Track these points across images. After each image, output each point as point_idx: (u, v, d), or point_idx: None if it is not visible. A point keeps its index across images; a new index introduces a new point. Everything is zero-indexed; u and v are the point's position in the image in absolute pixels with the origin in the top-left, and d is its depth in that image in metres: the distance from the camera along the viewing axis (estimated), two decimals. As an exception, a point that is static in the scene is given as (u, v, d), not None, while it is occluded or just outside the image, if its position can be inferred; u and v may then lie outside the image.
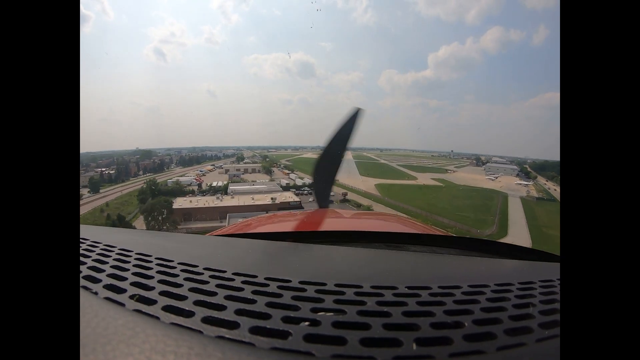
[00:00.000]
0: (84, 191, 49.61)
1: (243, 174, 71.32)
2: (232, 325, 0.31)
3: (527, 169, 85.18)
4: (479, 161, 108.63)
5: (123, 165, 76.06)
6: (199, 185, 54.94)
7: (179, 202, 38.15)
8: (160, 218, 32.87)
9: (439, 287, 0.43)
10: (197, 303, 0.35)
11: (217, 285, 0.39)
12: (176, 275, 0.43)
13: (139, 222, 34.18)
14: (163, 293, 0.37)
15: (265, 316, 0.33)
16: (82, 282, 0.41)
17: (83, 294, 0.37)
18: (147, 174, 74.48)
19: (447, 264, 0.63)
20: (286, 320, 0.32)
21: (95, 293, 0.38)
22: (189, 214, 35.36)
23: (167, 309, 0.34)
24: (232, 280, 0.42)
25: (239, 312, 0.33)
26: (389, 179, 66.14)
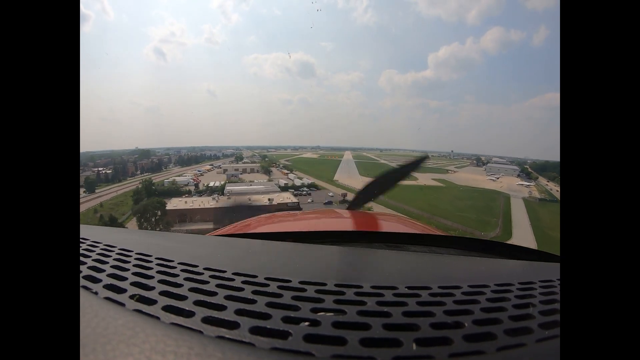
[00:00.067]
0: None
1: (241, 173, 70.44)
2: (232, 325, 0.31)
3: (528, 170, 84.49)
4: (479, 161, 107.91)
5: (120, 165, 75.22)
6: (196, 185, 54.09)
7: (174, 203, 37.28)
8: (153, 220, 32.00)
9: (439, 287, 0.43)
10: (197, 303, 0.35)
11: (217, 285, 0.40)
12: (176, 275, 0.43)
13: (132, 224, 33.28)
14: (163, 293, 0.37)
15: (266, 316, 0.33)
16: (82, 282, 0.41)
17: (83, 293, 0.37)
18: (145, 174, 73.60)
19: (447, 264, 0.63)
20: (286, 320, 0.32)
21: (96, 293, 0.38)
22: (184, 215, 34.50)
23: (167, 309, 0.34)
24: (232, 280, 0.42)
25: (239, 312, 0.33)
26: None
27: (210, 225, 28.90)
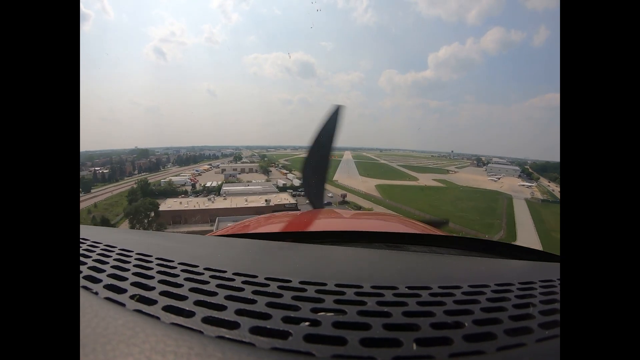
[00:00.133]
0: (73, 191, 47.67)
1: (240, 173, 69.48)
2: (233, 326, 0.31)
3: (529, 170, 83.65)
4: (479, 162, 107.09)
5: (118, 165, 74.19)
6: (193, 185, 53.12)
7: (169, 204, 36.26)
8: (146, 221, 31.03)
9: (439, 287, 0.43)
10: (198, 303, 0.35)
11: (218, 286, 0.40)
12: (176, 276, 0.43)
13: (124, 227, 32.23)
14: (163, 293, 0.37)
15: (266, 316, 0.33)
16: (83, 282, 0.41)
17: (83, 294, 0.37)
18: (142, 174, 72.62)
19: (447, 264, 0.63)
20: (286, 320, 0.32)
21: (96, 293, 0.38)
22: (178, 217, 33.48)
23: (168, 309, 0.34)
24: (233, 280, 0.42)
25: (239, 312, 0.33)
26: (389, 179, 64.37)
27: (204, 228, 27.96)
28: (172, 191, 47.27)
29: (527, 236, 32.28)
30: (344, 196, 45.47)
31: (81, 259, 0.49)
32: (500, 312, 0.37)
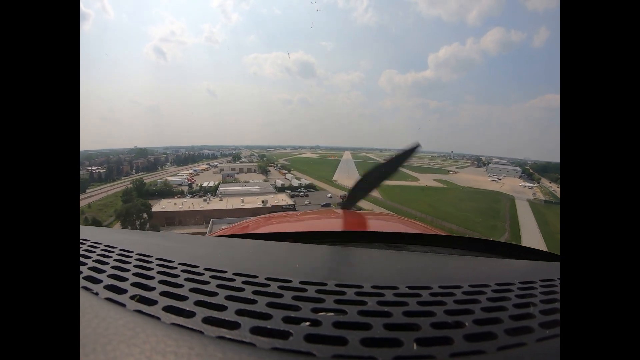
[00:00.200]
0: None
1: (238, 173, 68.60)
2: (233, 326, 0.31)
3: (529, 171, 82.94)
4: (480, 162, 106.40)
5: (115, 164, 73.24)
6: (190, 185, 52.23)
7: (163, 205, 35.36)
8: (138, 223, 30.10)
9: (440, 287, 0.43)
10: (198, 303, 0.35)
11: (218, 286, 0.40)
12: (177, 276, 0.43)
13: (116, 228, 31.26)
14: (164, 293, 0.38)
15: (266, 316, 0.33)
16: (83, 282, 0.41)
17: (84, 294, 0.38)
18: (140, 173, 71.74)
19: (447, 264, 0.63)
20: (287, 320, 0.32)
21: (96, 294, 0.38)
22: (172, 218, 32.58)
23: (168, 309, 0.34)
24: (233, 280, 0.42)
25: (239, 312, 0.33)
26: (389, 179, 63.41)
27: (199, 230, 27.01)
28: (168, 191, 46.36)
29: (532, 239, 31.41)
30: (343, 197, 44.51)
31: (81, 259, 0.49)
32: (501, 312, 0.37)
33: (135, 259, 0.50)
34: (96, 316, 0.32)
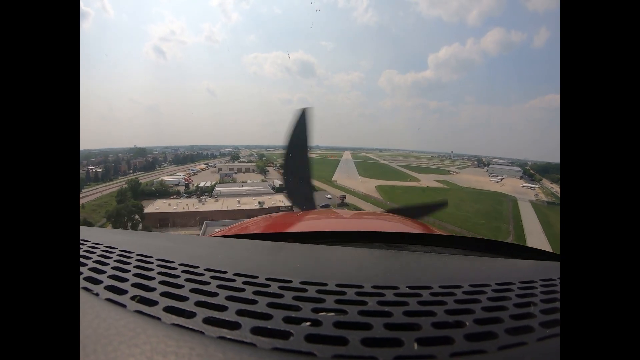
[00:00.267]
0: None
1: (236, 173, 67.60)
2: (234, 326, 0.31)
3: (530, 171, 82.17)
4: (480, 162, 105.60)
5: (112, 163, 72.24)
6: (187, 185, 51.24)
7: (157, 205, 34.38)
8: (129, 225, 29.13)
9: (440, 286, 0.42)
10: (198, 304, 0.35)
11: (218, 286, 0.40)
12: (177, 276, 0.43)
13: (108, 229, 30.22)
14: (164, 294, 0.37)
15: (267, 316, 0.33)
16: (84, 283, 0.41)
17: (84, 295, 0.37)
18: (137, 173, 70.76)
19: (448, 264, 0.63)
20: (287, 320, 0.32)
21: (97, 294, 0.38)
22: (165, 219, 31.61)
23: (169, 309, 0.34)
24: (233, 280, 0.42)
25: (240, 312, 0.33)
26: (390, 180, 62.59)
27: (192, 232, 26.06)
28: (164, 191, 45.39)
29: (536, 241, 30.48)
30: (342, 198, 43.61)
31: (82, 260, 0.49)
32: (501, 311, 0.37)
33: (136, 260, 0.49)
34: (97, 317, 0.32)
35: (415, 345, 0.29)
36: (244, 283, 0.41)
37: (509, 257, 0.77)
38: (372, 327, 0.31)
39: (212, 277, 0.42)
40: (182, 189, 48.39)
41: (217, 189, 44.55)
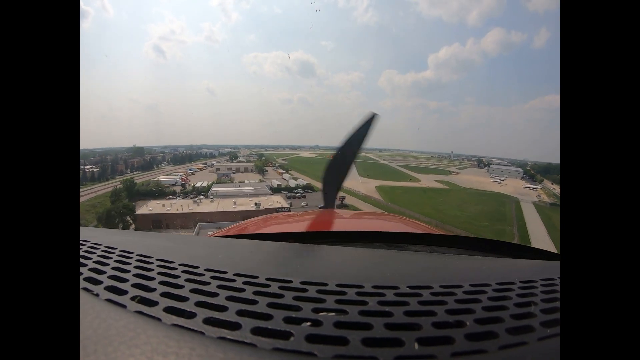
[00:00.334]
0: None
1: (234, 173, 66.62)
2: (234, 326, 0.31)
3: (531, 172, 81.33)
4: (480, 163, 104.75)
5: (109, 163, 71.18)
6: (183, 185, 50.25)
7: (150, 206, 33.43)
8: (120, 227, 28.14)
9: (441, 286, 0.42)
10: (199, 304, 0.35)
11: (219, 286, 0.40)
12: (177, 277, 0.43)
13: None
14: (164, 294, 0.37)
15: (267, 317, 0.33)
16: (84, 283, 0.41)
17: (84, 295, 0.37)
18: (135, 172, 69.74)
19: (448, 264, 0.63)
20: (288, 320, 0.32)
21: (97, 295, 0.38)
22: (158, 221, 30.65)
23: (169, 310, 0.34)
24: (234, 281, 0.42)
25: (240, 312, 0.33)
26: (390, 180, 61.63)
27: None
28: (159, 192, 44.39)
29: (542, 244, 29.56)
30: (342, 199, 42.65)
31: (82, 260, 0.49)
32: (502, 311, 0.37)
33: (136, 260, 0.50)
34: (97, 317, 0.32)
35: (416, 345, 0.29)
36: (244, 283, 0.41)
37: (509, 256, 0.76)
38: (373, 327, 0.31)
39: (213, 278, 0.42)
40: (178, 189, 47.41)
41: (213, 189, 43.67)
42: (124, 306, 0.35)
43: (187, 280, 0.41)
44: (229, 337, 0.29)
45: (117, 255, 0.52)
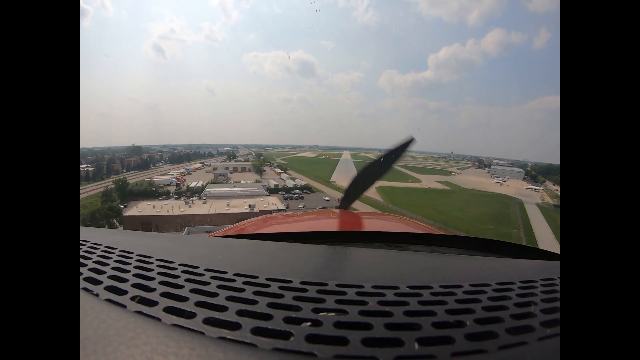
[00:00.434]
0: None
1: (232, 172, 65.25)
2: (234, 326, 0.31)
3: (532, 173, 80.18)
4: (481, 163, 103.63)
5: (105, 162, 69.72)
6: (178, 185, 48.87)
7: (140, 208, 32.08)
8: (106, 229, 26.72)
9: (441, 286, 0.42)
10: (199, 304, 0.35)
11: (219, 286, 0.40)
12: (177, 277, 0.43)
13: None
14: (164, 294, 0.37)
15: (267, 317, 0.33)
16: (83, 284, 0.41)
17: (84, 295, 0.37)
18: (131, 172, 68.34)
19: (448, 264, 0.63)
20: (288, 320, 0.32)
21: (97, 295, 0.38)
22: (147, 223, 29.29)
23: (169, 310, 0.34)
24: (233, 281, 0.42)
25: (240, 313, 0.33)
26: (390, 181, 60.29)
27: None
28: (153, 192, 43.02)
29: (552, 250, 28.22)
30: (340, 199, 41.28)
31: (82, 260, 0.49)
32: (502, 311, 0.37)
33: (136, 260, 0.50)
34: (96, 317, 0.32)
35: (416, 345, 0.29)
36: (244, 283, 0.41)
37: (509, 256, 0.76)
38: (373, 327, 0.31)
39: (212, 278, 0.42)
40: (172, 189, 46.03)
41: (207, 189, 42.32)
42: (123, 306, 0.35)
43: (187, 280, 0.41)
44: (229, 337, 0.29)
45: (117, 255, 0.52)
